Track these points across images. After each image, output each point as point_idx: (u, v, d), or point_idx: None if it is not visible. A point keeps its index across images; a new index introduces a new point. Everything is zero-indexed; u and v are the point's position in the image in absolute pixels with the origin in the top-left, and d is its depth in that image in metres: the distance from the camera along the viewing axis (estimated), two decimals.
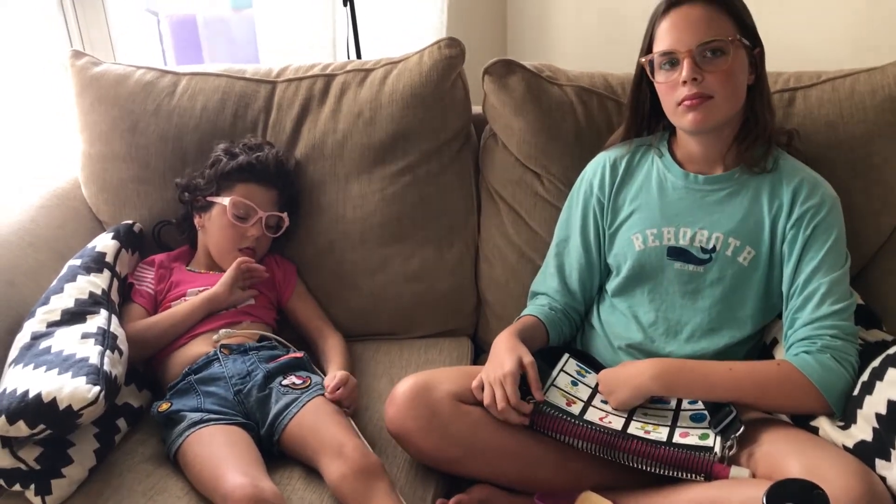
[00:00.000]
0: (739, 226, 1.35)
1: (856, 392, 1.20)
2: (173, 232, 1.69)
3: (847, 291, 1.30)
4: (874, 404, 1.14)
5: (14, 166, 1.87)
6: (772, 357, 1.36)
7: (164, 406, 1.38)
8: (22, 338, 1.32)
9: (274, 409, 1.36)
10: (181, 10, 2.82)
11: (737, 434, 1.20)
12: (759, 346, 1.40)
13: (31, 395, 1.17)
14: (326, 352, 1.57)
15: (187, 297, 1.55)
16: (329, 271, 1.70)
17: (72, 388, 1.18)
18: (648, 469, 1.22)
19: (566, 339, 1.51)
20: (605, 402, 1.34)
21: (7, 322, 1.39)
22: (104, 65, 1.75)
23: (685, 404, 1.31)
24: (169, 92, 1.72)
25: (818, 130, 1.50)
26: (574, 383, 1.38)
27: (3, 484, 1.22)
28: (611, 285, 1.46)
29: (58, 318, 1.35)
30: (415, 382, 1.30)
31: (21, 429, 1.15)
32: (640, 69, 1.39)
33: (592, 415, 1.30)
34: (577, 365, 1.43)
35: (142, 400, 1.47)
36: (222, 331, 1.49)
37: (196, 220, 1.64)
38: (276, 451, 1.35)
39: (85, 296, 1.41)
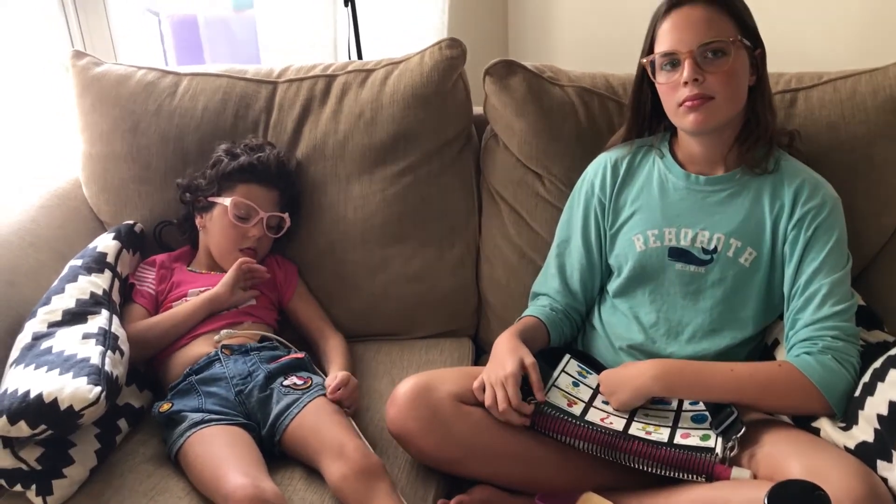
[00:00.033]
0: (741, 227, 1.35)
1: (857, 393, 1.20)
2: (174, 232, 1.69)
3: (848, 292, 1.30)
4: (875, 405, 1.14)
5: (15, 166, 1.87)
6: (773, 358, 1.36)
7: (165, 406, 1.38)
8: (23, 338, 1.32)
9: (275, 410, 1.37)
10: (182, 10, 2.82)
11: (738, 435, 1.20)
12: (761, 347, 1.40)
13: (32, 395, 1.17)
14: (327, 352, 1.57)
15: (188, 297, 1.55)
16: (330, 272, 1.70)
17: (73, 389, 1.18)
18: (649, 470, 1.22)
19: (567, 340, 1.51)
20: (606, 402, 1.34)
21: (8, 322, 1.39)
22: (105, 65, 1.75)
23: (686, 405, 1.31)
24: (170, 92, 1.72)
25: (819, 131, 1.50)
26: (575, 384, 1.38)
27: (4, 484, 1.22)
28: (612, 286, 1.46)
29: (59, 318, 1.35)
30: (416, 383, 1.30)
31: (22, 429, 1.15)
32: (642, 70, 1.39)
33: (593, 415, 1.30)
34: (579, 366, 1.43)
35: (143, 400, 1.47)
36: (224, 331, 1.49)
37: (197, 221, 1.64)
38: (277, 452, 1.35)
39: (86, 296, 1.41)
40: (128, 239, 1.61)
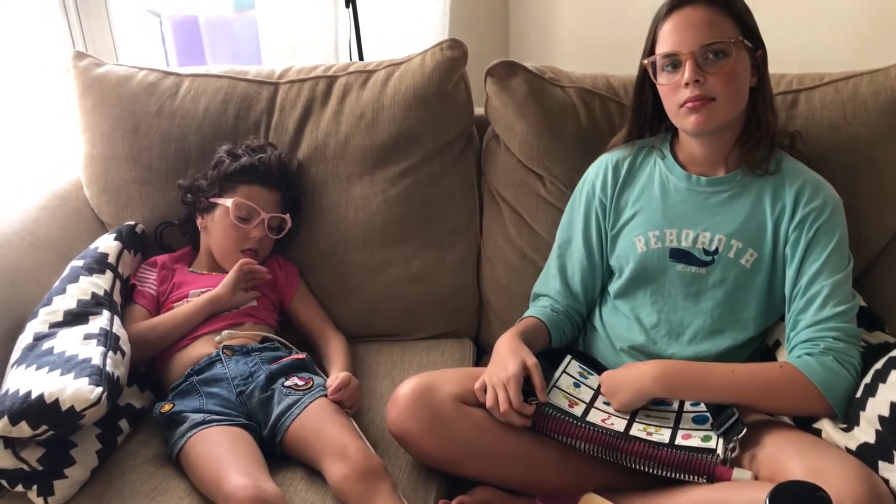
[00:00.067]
0: (742, 228, 1.35)
1: (858, 394, 1.19)
2: (175, 233, 1.69)
3: (850, 293, 1.30)
4: (877, 406, 1.14)
5: (17, 167, 1.88)
6: (774, 359, 1.35)
7: (167, 407, 1.39)
8: (24, 339, 1.32)
9: (276, 411, 1.37)
10: (183, 11, 2.82)
11: (739, 436, 1.20)
12: (762, 348, 1.40)
13: (33, 395, 1.17)
14: (329, 353, 1.57)
15: (189, 298, 1.55)
16: (331, 272, 1.70)
17: (74, 389, 1.19)
18: (650, 471, 1.22)
19: (568, 341, 1.51)
20: (607, 403, 1.34)
21: (9, 323, 1.39)
22: (106, 66, 1.76)
23: (687, 406, 1.31)
24: (171, 93, 1.72)
25: (821, 132, 1.50)
26: (576, 385, 1.38)
27: (5, 484, 1.22)
28: (613, 287, 1.46)
29: (60, 318, 1.36)
30: (417, 384, 1.30)
31: (23, 429, 1.16)
32: (643, 71, 1.39)
33: (594, 416, 1.30)
34: (580, 366, 1.43)
35: (144, 401, 1.47)
36: (225, 332, 1.49)
37: (198, 222, 1.64)
38: (279, 453, 1.35)
39: (87, 297, 1.41)
40: (129, 240, 1.61)
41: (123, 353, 1.34)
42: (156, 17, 2.68)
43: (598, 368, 1.44)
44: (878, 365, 1.20)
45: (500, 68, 1.65)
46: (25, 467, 1.21)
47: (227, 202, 1.58)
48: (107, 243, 1.56)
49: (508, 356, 1.31)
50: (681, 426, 1.28)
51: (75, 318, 1.36)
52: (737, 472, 1.17)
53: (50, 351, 1.28)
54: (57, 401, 1.17)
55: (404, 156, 1.68)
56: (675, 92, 1.32)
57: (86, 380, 1.21)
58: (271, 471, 1.28)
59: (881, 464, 1.11)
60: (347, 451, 1.26)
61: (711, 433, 1.24)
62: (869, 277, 1.51)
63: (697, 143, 1.38)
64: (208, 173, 1.62)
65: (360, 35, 2.17)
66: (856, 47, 1.84)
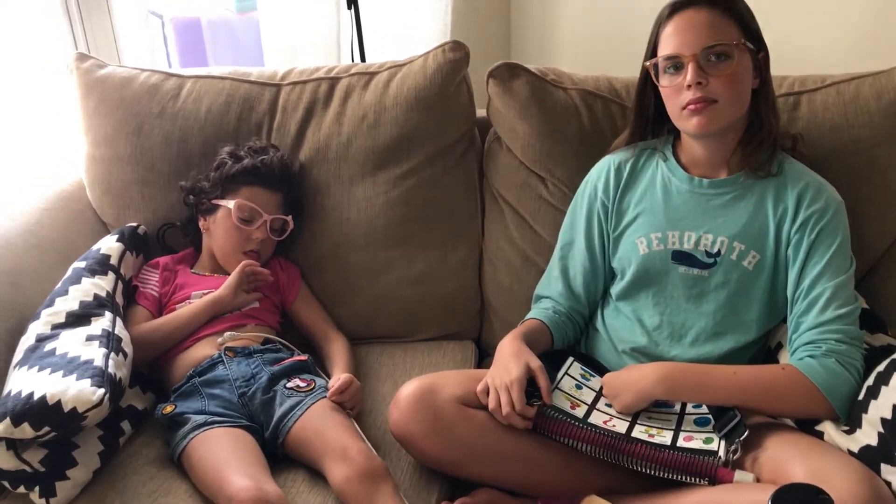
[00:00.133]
0: (744, 230, 1.35)
1: (861, 396, 1.19)
2: (178, 234, 1.69)
3: (852, 295, 1.30)
4: (879, 409, 1.14)
5: (19, 168, 1.88)
6: (776, 361, 1.35)
7: (169, 408, 1.39)
8: (26, 340, 1.33)
9: (278, 412, 1.37)
10: (185, 12, 2.82)
11: (741, 438, 1.20)
12: (764, 350, 1.40)
13: (35, 397, 1.17)
14: (331, 354, 1.57)
15: (191, 299, 1.55)
16: (333, 274, 1.70)
17: (76, 391, 1.19)
18: (652, 473, 1.22)
19: (570, 343, 1.51)
20: (609, 405, 1.34)
21: (11, 324, 1.39)
22: (109, 67, 1.76)
23: (689, 408, 1.31)
24: (173, 94, 1.72)
25: (823, 134, 1.50)
26: (578, 387, 1.38)
27: (7, 486, 1.23)
28: (615, 289, 1.46)
29: (62, 320, 1.36)
30: (419, 385, 1.30)
31: (26, 431, 1.16)
32: (645, 73, 1.39)
33: (596, 418, 1.30)
34: (582, 368, 1.43)
35: (146, 402, 1.47)
36: (227, 333, 1.49)
37: (201, 223, 1.64)
38: (281, 454, 1.36)
39: (89, 298, 1.41)
40: (131, 241, 1.61)
41: (125, 355, 1.34)
42: (158, 18, 2.69)
43: (600, 370, 1.44)
44: (881, 367, 1.20)
45: (503, 70, 1.65)
46: (27, 468, 1.21)
47: (230, 204, 1.58)
48: (109, 245, 1.56)
49: (511, 359, 1.31)
50: (683, 428, 1.28)
51: (77, 319, 1.36)
52: (738, 475, 1.17)
53: (52, 352, 1.28)
54: (59, 402, 1.17)
55: (406, 157, 1.68)
56: (677, 94, 1.32)
57: (88, 381, 1.21)
58: (273, 472, 1.28)
59: (883, 466, 1.11)
60: (349, 453, 1.26)
61: (713, 435, 1.24)
62: (871, 279, 1.51)
63: (699, 146, 1.38)
64: (210, 175, 1.62)
65: (362, 36, 2.17)
66: (858, 49, 1.84)
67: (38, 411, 1.16)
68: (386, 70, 1.72)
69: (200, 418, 1.34)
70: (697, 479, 1.19)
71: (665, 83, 1.34)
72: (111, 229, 1.70)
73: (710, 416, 1.28)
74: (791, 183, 1.34)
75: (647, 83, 1.40)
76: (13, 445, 1.19)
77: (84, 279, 1.45)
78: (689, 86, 1.29)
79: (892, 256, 1.52)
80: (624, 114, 1.61)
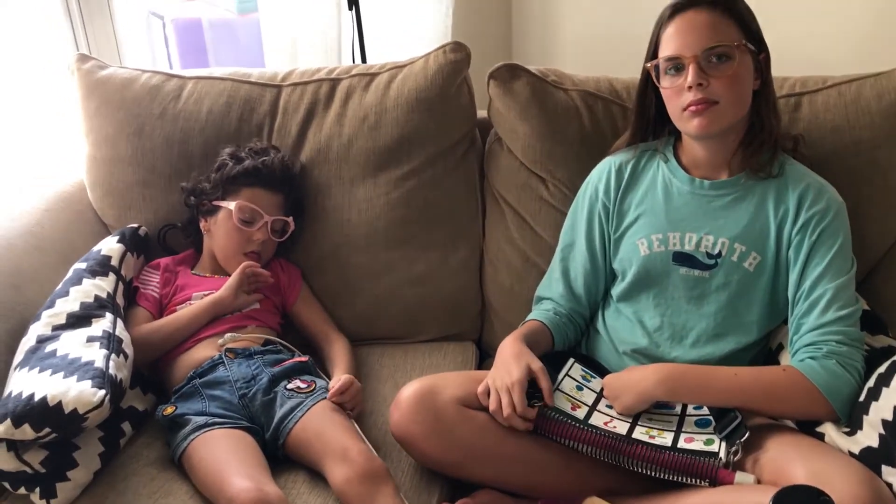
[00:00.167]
0: (745, 231, 1.35)
1: (862, 398, 1.19)
2: (178, 236, 1.69)
3: (853, 297, 1.30)
4: (880, 410, 1.13)
5: (20, 169, 1.88)
6: (777, 363, 1.35)
7: (169, 410, 1.39)
8: (27, 341, 1.32)
9: (279, 413, 1.37)
10: (187, 13, 2.82)
11: (742, 439, 1.20)
12: (765, 351, 1.40)
13: (36, 398, 1.17)
14: (331, 355, 1.57)
15: (192, 300, 1.55)
16: (334, 275, 1.70)
17: (77, 392, 1.19)
18: (653, 474, 1.21)
19: (571, 344, 1.51)
20: (610, 406, 1.34)
21: (12, 325, 1.39)
22: (110, 68, 1.76)
23: (690, 409, 1.31)
24: (175, 96, 1.72)
25: (824, 135, 1.50)
26: (579, 388, 1.38)
27: (8, 487, 1.23)
28: (616, 290, 1.46)
29: (63, 321, 1.36)
30: (419, 387, 1.30)
31: (26, 432, 1.16)
32: (646, 74, 1.39)
33: (597, 419, 1.30)
34: (583, 370, 1.43)
35: (147, 403, 1.47)
36: (228, 335, 1.49)
37: (202, 224, 1.64)
38: (281, 455, 1.36)
39: (90, 299, 1.41)
40: (132, 242, 1.61)
41: (126, 356, 1.34)
42: (159, 19, 2.69)
43: (601, 371, 1.44)
44: (882, 369, 1.19)
45: (503, 71, 1.65)
46: (28, 469, 1.21)
47: (230, 205, 1.58)
48: (110, 246, 1.56)
49: (512, 360, 1.30)
50: (683, 429, 1.28)
51: (78, 320, 1.36)
52: (739, 476, 1.17)
53: (53, 353, 1.28)
54: (60, 403, 1.17)
55: (407, 158, 1.68)
56: (678, 95, 1.32)
57: (89, 382, 1.21)
58: (274, 473, 1.28)
59: (884, 468, 1.11)
60: (350, 454, 1.26)
61: (714, 437, 1.24)
62: (872, 281, 1.51)
63: (700, 147, 1.38)
64: (211, 176, 1.62)
65: (362, 37, 2.18)
66: (859, 50, 1.84)
67: (38, 412, 1.16)
68: (387, 71, 1.72)
69: (201, 419, 1.34)
70: (698, 481, 1.19)
71: (666, 84, 1.34)
72: (112, 230, 1.70)
73: (710, 418, 1.28)
74: (792, 184, 1.34)
75: (648, 84, 1.40)
76: (14, 446, 1.19)
77: (85, 280, 1.45)
78: (689, 87, 1.29)
79: (892, 258, 1.51)
80: (625, 115, 1.61)
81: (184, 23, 2.74)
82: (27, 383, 1.21)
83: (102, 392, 1.20)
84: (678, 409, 1.32)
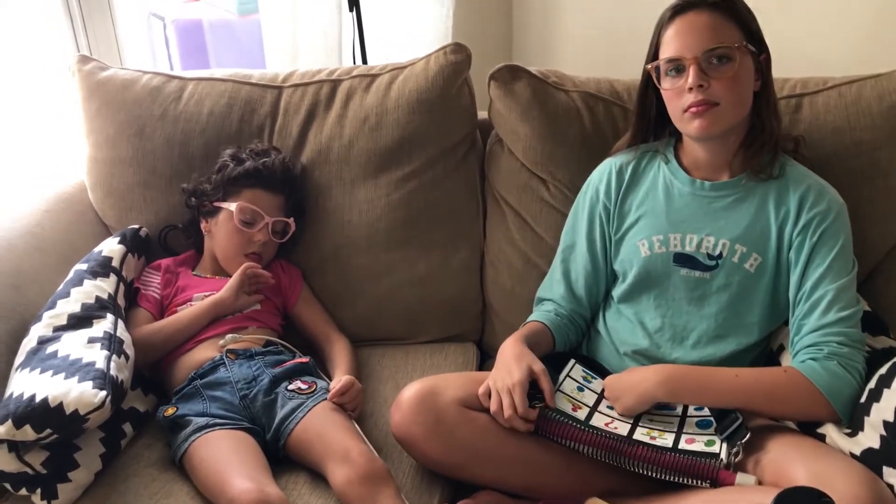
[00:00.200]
0: (746, 232, 1.35)
1: (863, 399, 1.19)
2: (179, 237, 1.69)
3: (854, 298, 1.30)
4: (882, 411, 1.13)
5: (21, 170, 1.88)
6: (778, 364, 1.35)
7: (170, 411, 1.39)
8: (28, 342, 1.32)
9: (280, 414, 1.37)
10: (187, 14, 2.83)
11: (743, 441, 1.20)
12: (766, 352, 1.40)
13: (37, 399, 1.17)
14: (332, 356, 1.57)
15: (193, 301, 1.55)
16: (335, 276, 1.70)
17: (78, 393, 1.19)
18: (654, 475, 1.21)
19: (572, 346, 1.51)
20: (610, 407, 1.34)
21: (13, 326, 1.39)
22: (111, 70, 1.76)
23: (691, 410, 1.31)
24: (175, 97, 1.72)
25: (825, 137, 1.50)
26: (580, 389, 1.38)
27: (9, 488, 1.22)
28: (617, 291, 1.46)
29: (64, 322, 1.36)
30: (420, 388, 1.30)
31: (27, 433, 1.16)
32: (646, 76, 1.39)
33: (598, 420, 1.30)
34: (583, 371, 1.43)
35: (148, 404, 1.47)
36: (229, 336, 1.49)
37: (202, 226, 1.64)
38: (282, 456, 1.36)
39: (91, 300, 1.41)
40: (133, 243, 1.61)
41: (127, 357, 1.34)
42: (160, 20, 2.69)
43: (602, 373, 1.44)
44: (883, 370, 1.19)
45: (504, 72, 1.65)
46: (29, 471, 1.21)
47: (231, 206, 1.58)
48: (111, 247, 1.56)
49: (513, 361, 1.31)
50: (684, 430, 1.28)
51: (79, 321, 1.36)
52: (740, 477, 1.17)
53: (54, 354, 1.28)
54: (61, 404, 1.17)
55: (408, 159, 1.68)
56: (678, 97, 1.32)
57: (90, 383, 1.21)
58: (275, 475, 1.28)
59: (886, 469, 1.11)
60: (351, 455, 1.26)
61: (715, 438, 1.24)
62: (874, 282, 1.51)
63: (701, 148, 1.38)
64: (212, 177, 1.62)
65: (363, 39, 2.18)
66: (860, 51, 1.84)
67: (39, 414, 1.16)
68: (388, 72, 1.72)
69: (202, 420, 1.34)
70: (699, 482, 1.19)
71: (666, 86, 1.34)
72: (113, 231, 1.70)
73: (711, 419, 1.28)
74: (793, 185, 1.34)
75: (649, 86, 1.40)
76: (15, 447, 1.19)
77: (86, 281, 1.45)
78: (690, 88, 1.29)
79: (893, 259, 1.51)
80: (625, 116, 1.61)
81: (184, 24, 2.74)
82: (28, 384, 1.21)
83: (103, 393, 1.20)
84: (679, 410, 1.32)
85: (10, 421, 1.15)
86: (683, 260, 1.38)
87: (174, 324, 1.51)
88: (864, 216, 1.45)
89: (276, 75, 1.78)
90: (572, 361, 1.44)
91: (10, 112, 1.91)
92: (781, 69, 1.42)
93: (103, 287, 1.46)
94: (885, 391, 1.15)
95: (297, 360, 1.49)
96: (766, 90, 1.35)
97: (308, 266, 1.71)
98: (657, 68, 1.35)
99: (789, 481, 1.09)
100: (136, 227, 1.66)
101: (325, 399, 1.39)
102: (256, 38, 2.33)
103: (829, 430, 1.22)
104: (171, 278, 1.60)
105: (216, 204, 1.60)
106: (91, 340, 1.32)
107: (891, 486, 1.09)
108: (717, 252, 1.36)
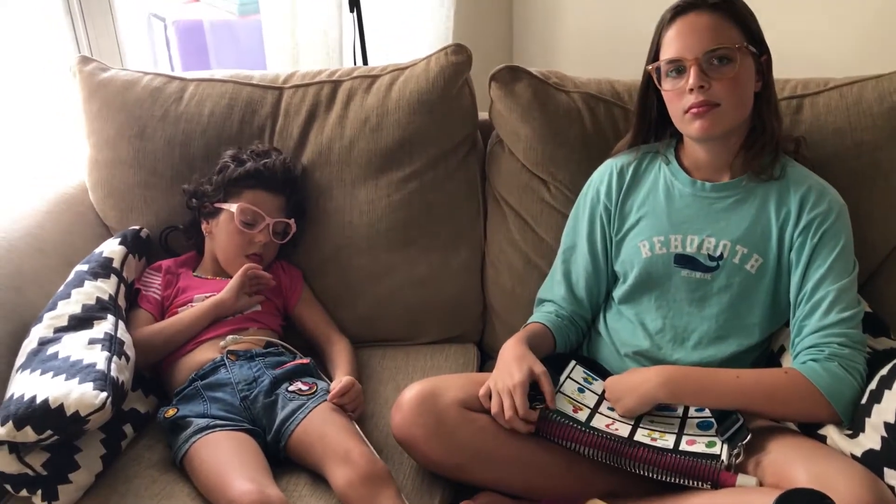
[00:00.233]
0: (747, 233, 1.35)
1: (864, 400, 1.19)
2: (180, 238, 1.69)
3: (855, 299, 1.29)
4: (882, 413, 1.13)
5: (21, 170, 1.88)
6: (779, 365, 1.35)
7: (171, 412, 1.39)
8: (29, 343, 1.33)
9: (280, 416, 1.37)
10: (188, 15, 2.83)
11: (744, 442, 1.20)
12: (767, 353, 1.40)
13: (38, 400, 1.17)
14: (333, 357, 1.57)
15: (194, 302, 1.55)
16: (335, 277, 1.70)
17: (79, 394, 1.19)
18: (655, 476, 1.21)
19: (573, 347, 1.51)
20: (611, 409, 1.34)
21: (14, 327, 1.39)
22: (111, 71, 1.76)
23: (692, 412, 1.31)
24: (176, 98, 1.72)
25: (825, 137, 1.50)
26: (581, 390, 1.37)
27: (10, 489, 1.22)
28: (618, 292, 1.46)
29: (65, 323, 1.36)
30: (421, 389, 1.30)
31: (28, 434, 1.16)
32: (647, 77, 1.39)
33: (599, 422, 1.30)
34: (584, 372, 1.43)
35: (148, 405, 1.47)
36: (229, 337, 1.49)
37: (203, 227, 1.64)
38: (283, 458, 1.36)
39: (92, 301, 1.41)
40: (134, 244, 1.61)
41: (128, 358, 1.34)
42: (160, 21, 2.69)
43: (603, 374, 1.43)
44: (884, 371, 1.19)
45: (505, 73, 1.65)
46: (30, 472, 1.21)
47: (232, 207, 1.58)
48: (112, 248, 1.56)
49: (514, 363, 1.30)
50: (685, 432, 1.28)
51: (80, 322, 1.36)
52: (741, 479, 1.16)
53: (55, 356, 1.28)
54: (62, 406, 1.17)
55: (409, 160, 1.68)
56: (679, 98, 1.32)
57: (90, 385, 1.21)
58: (275, 476, 1.28)
59: (887, 471, 1.10)
60: (351, 456, 1.26)
61: (716, 439, 1.24)
62: (875, 283, 1.51)
63: (702, 149, 1.38)
64: (213, 178, 1.62)
65: (364, 39, 2.18)
66: (860, 52, 1.84)
67: (40, 415, 1.16)
68: (388, 73, 1.72)
69: (202, 422, 1.34)
70: (700, 483, 1.19)
71: (667, 87, 1.34)
72: (114, 232, 1.70)
73: (712, 420, 1.28)
74: (794, 186, 1.34)
75: (650, 87, 1.40)
76: (15, 449, 1.19)
77: (86, 282, 1.45)
78: (691, 89, 1.29)
79: (894, 260, 1.51)
80: (626, 117, 1.61)
81: (185, 24, 2.74)
82: (29, 385, 1.21)
83: (104, 394, 1.20)
84: (680, 411, 1.32)
85: (10, 422, 1.15)
86: (684, 261, 1.38)
87: (175, 325, 1.51)
88: (865, 217, 1.45)
89: (276, 76, 1.78)
90: (573, 363, 1.44)
91: (10, 112, 1.91)
92: (782, 70, 1.42)
93: (104, 288, 1.46)
94: (887, 392, 1.15)
95: (298, 361, 1.49)
96: (767, 91, 1.35)
97: (309, 267, 1.71)
98: (658, 69, 1.35)
99: (790, 483, 1.09)
100: (137, 228, 1.66)
101: (326, 400, 1.39)
102: (257, 38, 2.33)
103: (830, 432, 1.22)
104: (172, 279, 1.60)
105: (217, 205, 1.60)
106: (92, 342, 1.32)
107: (892, 488, 1.09)
108: (718, 253, 1.36)
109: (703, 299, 1.37)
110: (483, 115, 1.75)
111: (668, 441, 1.25)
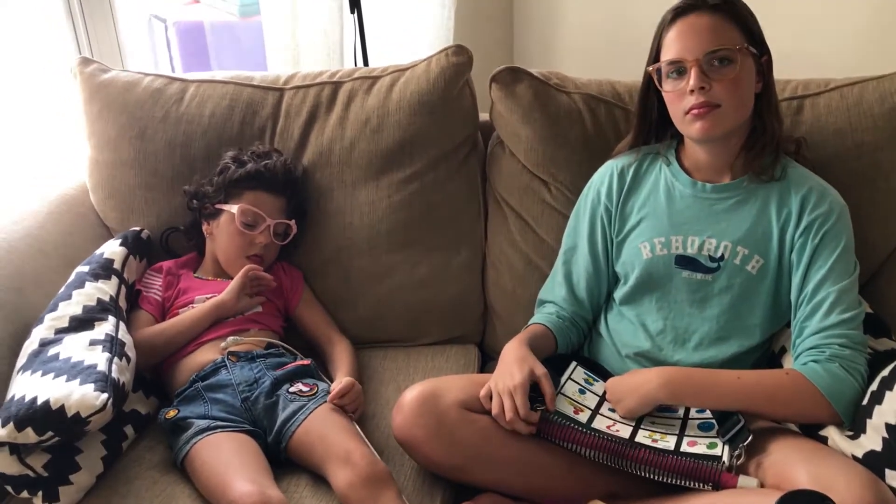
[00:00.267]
0: (748, 234, 1.35)
1: (865, 401, 1.19)
2: (181, 239, 1.69)
3: (856, 300, 1.29)
4: (883, 414, 1.13)
5: (22, 171, 1.88)
6: (780, 366, 1.35)
7: (172, 413, 1.39)
8: (30, 344, 1.32)
9: (281, 417, 1.37)
10: (189, 16, 2.83)
11: (745, 443, 1.20)
12: (768, 354, 1.40)
13: (39, 401, 1.17)
14: (334, 358, 1.57)
15: (195, 304, 1.55)
16: (336, 278, 1.70)
17: (80, 395, 1.19)
18: (656, 478, 1.21)
19: (574, 348, 1.51)
20: (612, 410, 1.34)
21: (15, 328, 1.39)
22: (112, 72, 1.76)
23: (693, 413, 1.31)
24: (177, 99, 1.72)
25: (826, 138, 1.50)
26: (581, 391, 1.37)
27: (10, 490, 1.22)
28: (618, 293, 1.46)
29: (66, 324, 1.36)
30: (422, 390, 1.30)
31: (29, 436, 1.16)
32: (648, 78, 1.39)
33: (600, 423, 1.30)
34: (585, 373, 1.43)
35: (149, 407, 1.47)
36: (230, 338, 1.49)
37: (204, 228, 1.64)
38: (284, 459, 1.35)
39: (93, 302, 1.41)
40: (134, 245, 1.61)
41: (129, 359, 1.34)
42: (161, 22, 2.69)
43: (604, 375, 1.43)
44: (885, 372, 1.19)
45: (505, 74, 1.65)
46: (31, 473, 1.21)
47: (233, 208, 1.58)
48: (112, 249, 1.56)
49: (515, 364, 1.30)
50: (686, 433, 1.27)
51: (81, 323, 1.36)
52: (742, 480, 1.16)
53: (56, 357, 1.28)
54: (62, 407, 1.17)
55: (409, 161, 1.68)
56: (680, 99, 1.32)
57: (91, 386, 1.21)
58: (276, 477, 1.28)
59: (888, 472, 1.10)
60: (352, 457, 1.26)
61: (717, 440, 1.24)
62: (875, 283, 1.51)
63: (703, 150, 1.38)
64: (214, 179, 1.62)
65: (364, 40, 2.18)
66: (861, 53, 1.84)
67: (41, 416, 1.16)
68: (389, 74, 1.72)
69: (203, 423, 1.34)
70: (701, 485, 1.18)
71: (668, 88, 1.34)
72: (114, 233, 1.70)
73: (713, 421, 1.28)
74: (794, 187, 1.34)
75: (650, 88, 1.40)
76: (16, 450, 1.19)
77: (87, 283, 1.45)
78: (691, 91, 1.29)
79: (895, 260, 1.51)
80: (627, 118, 1.61)
81: (186, 26, 2.74)
82: (30, 387, 1.21)
83: (105, 395, 1.20)
84: (681, 412, 1.32)
85: (11, 423, 1.15)
86: (685, 262, 1.38)
87: (176, 326, 1.51)
88: (866, 218, 1.45)
89: (277, 77, 1.78)
90: (574, 364, 1.44)
91: (11, 113, 1.91)
92: (783, 71, 1.42)
93: (105, 289, 1.46)
94: (888, 393, 1.15)
95: (299, 362, 1.49)
96: (768, 92, 1.35)
97: (309, 268, 1.71)
98: (658, 70, 1.35)
99: (791, 484, 1.09)
100: (138, 229, 1.66)
101: (327, 401, 1.39)
102: (258, 39, 2.33)
103: (831, 433, 1.22)
104: (173, 280, 1.60)
105: (218, 206, 1.60)
106: (92, 343, 1.31)
107: (893, 489, 1.09)
108: (719, 254, 1.36)
109: (704, 300, 1.37)
110: (484, 116, 1.75)
111: (669, 442, 1.25)
